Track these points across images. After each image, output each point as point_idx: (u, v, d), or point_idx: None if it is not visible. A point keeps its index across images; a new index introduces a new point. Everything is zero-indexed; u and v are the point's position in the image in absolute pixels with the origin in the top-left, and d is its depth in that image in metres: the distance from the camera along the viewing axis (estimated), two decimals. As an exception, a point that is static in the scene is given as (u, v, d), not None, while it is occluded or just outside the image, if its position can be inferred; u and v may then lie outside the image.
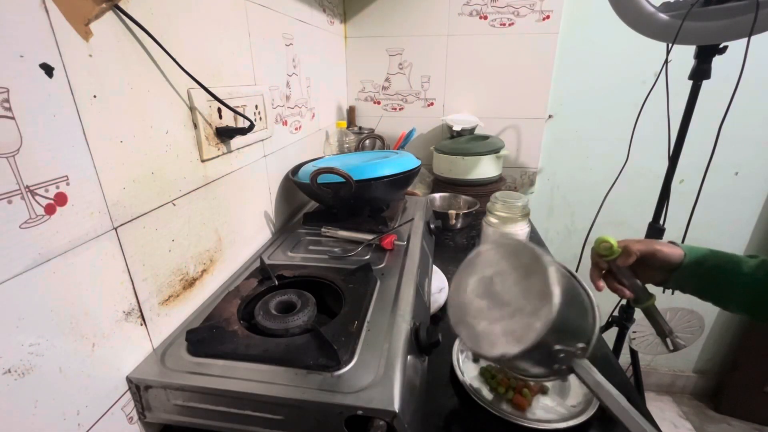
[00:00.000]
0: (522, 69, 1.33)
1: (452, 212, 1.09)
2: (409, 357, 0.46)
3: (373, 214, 0.85)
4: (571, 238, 1.56)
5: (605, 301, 1.31)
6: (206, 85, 0.53)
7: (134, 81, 0.44)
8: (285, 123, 0.88)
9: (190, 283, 0.56)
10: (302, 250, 0.74)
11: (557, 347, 0.37)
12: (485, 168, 1.25)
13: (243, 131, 0.61)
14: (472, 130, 1.35)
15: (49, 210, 0.35)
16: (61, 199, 0.36)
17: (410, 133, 1.22)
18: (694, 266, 0.53)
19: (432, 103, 1.43)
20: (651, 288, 0.58)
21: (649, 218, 1.06)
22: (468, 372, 0.59)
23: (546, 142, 1.43)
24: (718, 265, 0.52)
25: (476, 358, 0.61)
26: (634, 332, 0.54)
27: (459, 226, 1.12)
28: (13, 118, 0.31)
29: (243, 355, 0.45)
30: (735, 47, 0.82)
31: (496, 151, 1.25)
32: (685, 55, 0.90)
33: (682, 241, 0.57)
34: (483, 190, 1.25)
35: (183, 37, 0.52)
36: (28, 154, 0.32)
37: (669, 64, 0.89)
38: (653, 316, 0.55)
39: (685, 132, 0.96)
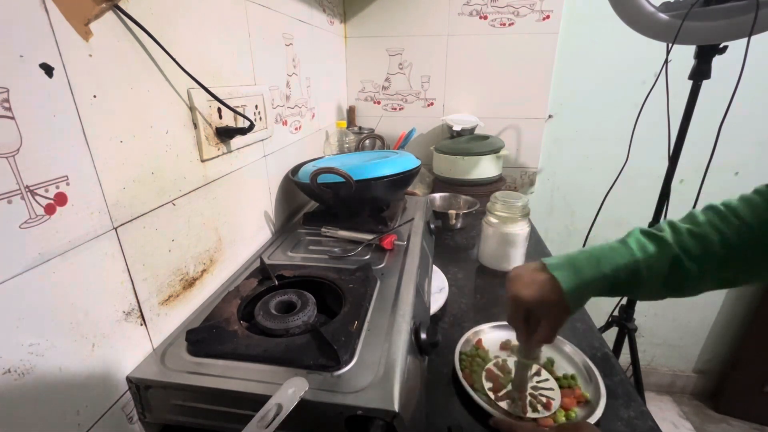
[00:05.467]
0: (522, 69, 1.33)
1: (452, 212, 1.09)
2: (409, 357, 0.46)
3: (373, 214, 0.85)
4: (571, 238, 1.56)
5: (605, 302, 1.31)
6: (206, 85, 0.53)
7: (134, 81, 0.44)
8: (285, 123, 0.88)
9: (190, 283, 0.56)
10: (302, 250, 0.74)
11: None
12: (485, 168, 1.26)
13: (243, 131, 0.61)
14: (472, 130, 1.35)
15: (49, 210, 0.35)
16: (61, 199, 0.36)
17: (410, 133, 1.22)
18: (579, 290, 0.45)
19: (432, 103, 1.43)
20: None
21: (649, 218, 1.06)
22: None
23: (546, 142, 1.43)
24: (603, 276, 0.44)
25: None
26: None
27: (459, 226, 1.12)
28: (13, 118, 0.31)
29: (243, 355, 0.45)
30: (735, 47, 0.82)
31: (496, 151, 1.25)
32: (685, 55, 0.91)
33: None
34: (483, 190, 1.25)
35: (183, 37, 0.52)
36: (28, 154, 0.32)
37: (669, 64, 0.89)
38: (522, 373, 0.54)
39: (685, 132, 0.96)
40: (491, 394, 0.54)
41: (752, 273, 0.42)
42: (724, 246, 0.41)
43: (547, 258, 0.48)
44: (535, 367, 0.58)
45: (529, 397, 0.54)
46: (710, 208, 0.44)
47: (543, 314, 0.47)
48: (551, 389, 0.55)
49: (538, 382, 0.57)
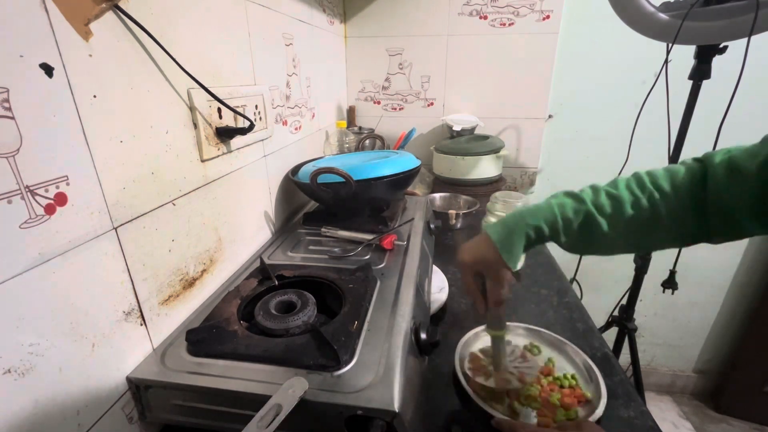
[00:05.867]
0: (522, 69, 1.32)
1: (452, 212, 1.09)
2: (409, 357, 0.46)
3: (373, 214, 0.85)
4: (571, 238, 1.56)
5: (605, 302, 1.32)
6: (206, 85, 0.53)
7: (134, 81, 0.44)
8: (285, 123, 0.88)
9: (190, 283, 0.56)
10: (302, 250, 0.74)
11: None
12: (485, 168, 1.26)
13: (243, 131, 0.61)
14: (472, 130, 1.35)
15: (49, 210, 0.35)
16: (61, 199, 0.36)
17: (410, 133, 1.22)
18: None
19: (432, 103, 1.43)
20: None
21: (649, 218, 1.06)
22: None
23: (546, 142, 1.43)
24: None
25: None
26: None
27: (459, 226, 1.12)
28: (13, 118, 0.31)
29: (243, 355, 0.45)
30: (735, 47, 0.82)
31: (496, 151, 1.25)
32: (685, 55, 0.91)
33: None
34: (483, 190, 1.25)
35: (183, 37, 0.52)
36: (28, 154, 0.32)
37: (669, 64, 0.89)
38: (496, 347, 0.56)
39: (685, 132, 0.96)
40: (470, 373, 0.55)
41: (663, 240, 0.46)
42: (634, 207, 0.44)
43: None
44: (517, 351, 0.60)
45: (507, 373, 0.55)
46: (633, 174, 0.48)
47: (486, 272, 0.51)
48: (530, 368, 0.57)
49: (520, 364, 0.58)
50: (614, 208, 0.46)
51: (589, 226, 0.47)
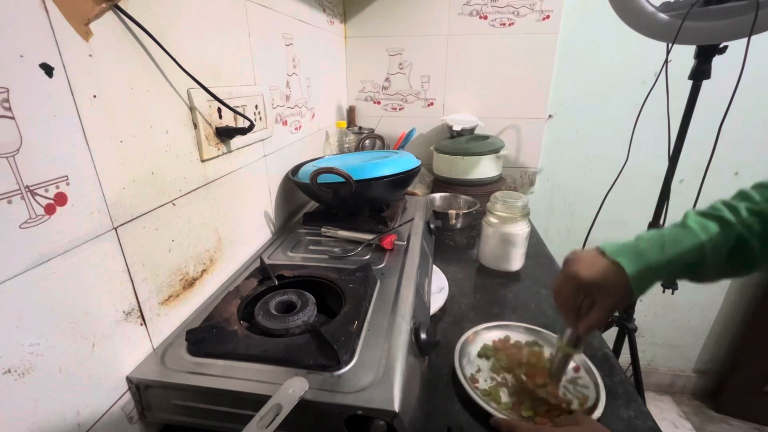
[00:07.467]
0: (522, 69, 1.32)
1: (452, 212, 1.09)
2: (409, 357, 0.46)
3: (373, 214, 0.85)
4: (571, 238, 1.56)
5: (605, 301, 1.31)
6: (206, 85, 0.53)
7: (134, 81, 0.44)
8: (285, 123, 0.88)
9: (190, 283, 0.56)
10: (302, 250, 0.74)
11: None
12: (485, 168, 1.25)
13: (243, 131, 0.61)
14: (472, 130, 1.35)
15: (49, 210, 0.35)
16: (61, 199, 0.36)
17: (410, 133, 1.22)
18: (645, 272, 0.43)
19: (432, 103, 1.43)
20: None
21: (649, 218, 1.06)
22: (468, 372, 0.59)
23: (546, 142, 1.43)
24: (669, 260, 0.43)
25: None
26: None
27: (459, 226, 1.12)
28: (13, 118, 0.31)
29: (243, 355, 0.45)
30: (735, 47, 0.82)
31: (496, 151, 1.25)
32: (685, 55, 0.91)
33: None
34: (483, 190, 1.25)
35: (183, 37, 0.52)
36: (28, 154, 0.32)
37: (669, 64, 0.89)
38: (563, 361, 0.53)
39: (685, 132, 0.96)
40: (525, 379, 0.54)
41: None
42: None
43: (604, 244, 0.46)
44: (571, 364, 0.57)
45: (563, 389, 0.54)
46: (760, 186, 0.43)
47: (601, 296, 0.45)
48: (586, 387, 0.55)
49: (576, 379, 0.57)
50: (763, 224, 0.41)
51: (742, 250, 0.41)
